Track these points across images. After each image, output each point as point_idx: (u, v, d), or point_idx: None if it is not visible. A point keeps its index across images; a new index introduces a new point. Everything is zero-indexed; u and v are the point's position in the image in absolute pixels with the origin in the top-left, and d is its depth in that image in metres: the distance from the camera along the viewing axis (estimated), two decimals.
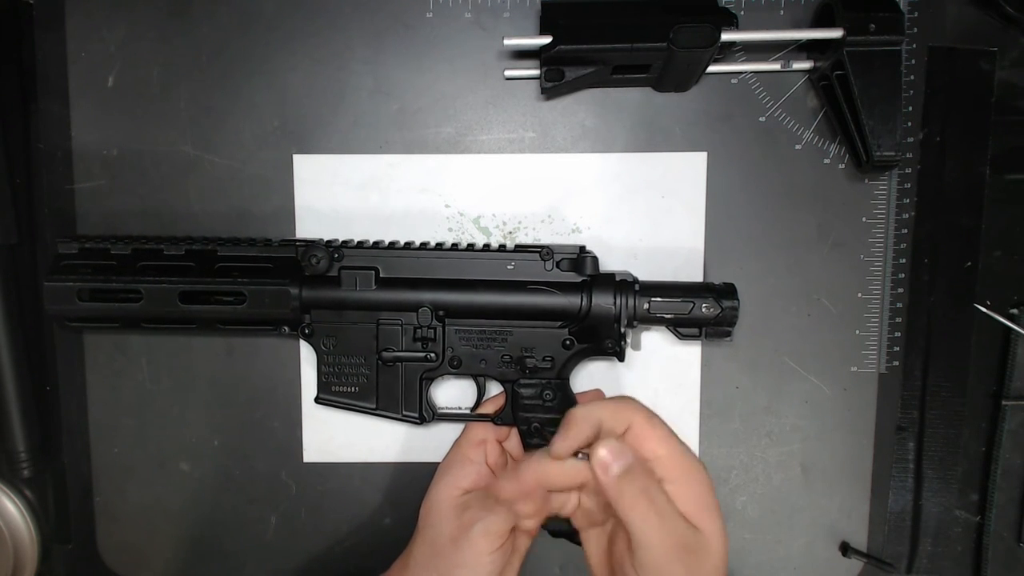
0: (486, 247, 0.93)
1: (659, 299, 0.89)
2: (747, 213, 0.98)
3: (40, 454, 1.00)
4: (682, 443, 0.77)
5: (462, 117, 0.98)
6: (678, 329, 0.91)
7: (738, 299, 0.89)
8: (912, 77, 0.95)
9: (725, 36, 0.87)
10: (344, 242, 0.92)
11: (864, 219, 0.97)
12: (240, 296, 0.89)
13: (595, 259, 0.90)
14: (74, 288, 0.89)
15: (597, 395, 0.98)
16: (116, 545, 1.04)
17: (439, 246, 0.92)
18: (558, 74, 0.91)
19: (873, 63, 0.87)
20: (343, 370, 0.93)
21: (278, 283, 0.89)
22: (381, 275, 0.91)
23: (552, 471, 0.77)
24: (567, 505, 0.84)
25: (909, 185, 0.96)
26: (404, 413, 0.93)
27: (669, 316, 0.89)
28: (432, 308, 0.90)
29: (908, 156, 0.95)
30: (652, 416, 0.77)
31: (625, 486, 0.73)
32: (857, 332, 0.98)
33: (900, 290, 0.97)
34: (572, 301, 0.90)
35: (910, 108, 0.95)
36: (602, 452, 0.73)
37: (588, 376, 0.99)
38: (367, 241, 0.92)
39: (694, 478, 0.75)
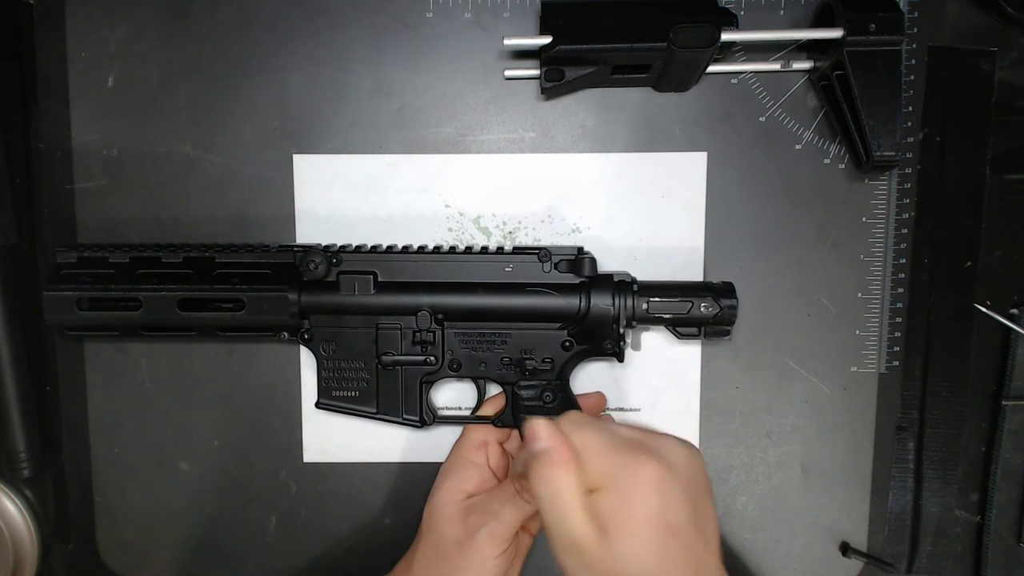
0: (484, 250, 0.93)
1: (657, 299, 0.89)
2: (747, 213, 0.98)
3: (40, 454, 1.00)
4: (602, 452, 0.73)
5: (462, 117, 0.98)
6: (677, 329, 0.91)
7: (736, 298, 0.89)
8: (912, 77, 0.95)
9: (725, 36, 0.87)
10: (342, 246, 0.92)
11: (864, 219, 0.97)
12: (239, 303, 0.89)
13: (593, 260, 0.90)
14: (73, 297, 0.89)
15: (599, 399, 0.98)
16: (116, 545, 1.04)
17: (437, 249, 0.92)
18: (558, 74, 0.91)
19: (873, 63, 0.87)
20: (343, 375, 0.93)
21: (276, 289, 0.89)
22: (379, 279, 0.91)
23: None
24: None
25: (909, 185, 0.96)
26: (405, 417, 0.94)
27: (668, 316, 0.89)
28: (431, 311, 0.90)
29: (908, 156, 0.95)
30: (576, 425, 0.74)
31: (536, 468, 0.73)
32: (857, 332, 0.98)
33: (900, 290, 0.97)
34: (571, 302, 0.90)
35: (910, 108, 0.95)
36: (535, 425, 0.74)
37: (588, 377, 0.99)
38: (365, 245, 0.92)
39: (615, 491, 0.71)
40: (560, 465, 0.73)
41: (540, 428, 0.74)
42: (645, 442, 0.75)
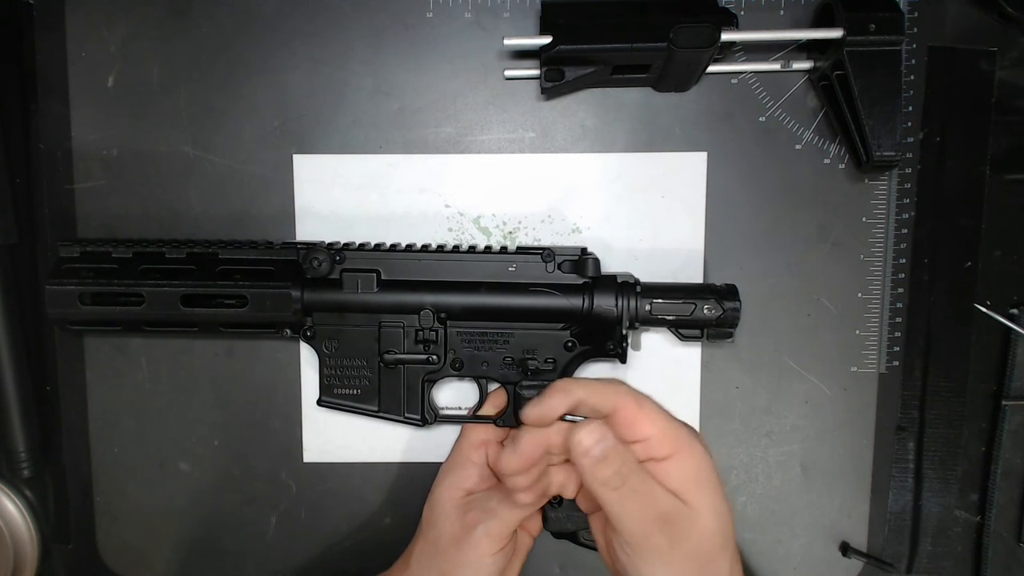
0: (487, 249, 0.93)
1: (661, 300, 0.89)
2: (747, 213, 0.98)
3: (40, 454, 1.00)
4: (674, 420, 0.77)
5: (462, 117, 0.98)
6: (679, 330, 0.91)
7: (740, 300, 0.89)
8: (912, 77, 0.95)
9: (725, 36, 0.87)
10: (345, 244, 0.92)
11: (864, 219, 0.97)
12: (242, 299, 0.89)
13: (597, 261, 0.90)
14: (75, 291, 0.89)
15: None
16: (116, 545, 1.04)
17: (441, 248, 0.92)
18: (558, 74, 0.91)
19: (873, 63, 0.87)
20: (345, 372, 0.93)
21: (280, 286, 0.89)
22: (383, 277, 0.91)
23: (550, 433, 0.78)
24: (568, 486, 0.85)
25: (909, 185, 0.96)
26: (406, 415, 0.93)
27: (671, 318, 0.89)
28: (434, 310, 0.90)
29: (908, 156, 0.96)
30: (640, 399, 0.76)
31: (600, 470, 0.74)
32: (857, 332, 0.98)
33: (900, 290, 0.97)
34: (574, 303, 0.89)
35: (910, 108, 0.95)
36: (582, 438, 0.74)
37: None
38: (368, 243, 0.92)
39: (685, 454, 0.76)
40: (624, 455, 0.75)
41: (586, 436, 0.75)
42: None
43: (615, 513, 0.75)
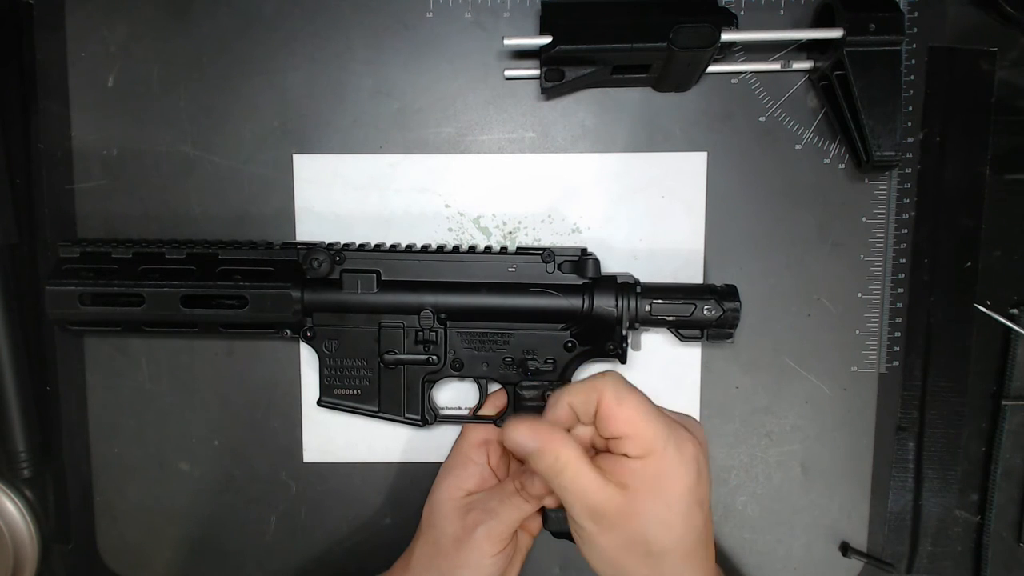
0: (487, 249, 0.93)
1: (661, 301, 0.89)
2: (747, 213, 0.98)
3: (40, 454, 1.00)
4: (655, 423, 0.76)
5: (462, 117, 0.98)
6: (679, 331, 0.91)
7: (740, 301, 0.89)
8: (912, 77, 0.95)
9: (725, 36, 0.87)
10: (345, 245, 0.92)
11: (864, 219, 0.97)
12: (242, 300, 0.89)
13: (596, 261, 0.90)
14: (75, 292, 0.89)
15: None
16: (116, 545, 1.04)
17: (441, 248, 0.92)
18: (558, 74, 0.91)
19: (873, 63, 0.87)
20: (345, 373, 0.93)
21: (280, 287, 0.89)
22: (383, 278, 0.91)
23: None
24: None
25: (909, 185, 0.96)
26: (406, 415, 0.94)
27: (671, 318, 0.89)
28: (434, 311, 0.90)
29: (908, 156, 0.95)
30: (622, 395, 0.76)
31: (535, 462, 0.77)
32: (857, 332, 0.98)
33: (900, 290, 0.97)
34: (574, 303, 0.90)
35: (910, 108, 0.95)
36: (512, 437, 0.77)
37: None
38: (368, 244, 0.92)
39: (651, 459, 0.76)
40: (557, 451, 0.76)
41: (518, 434, 0.77)
42: (679, 419, 0.80)
43: (558, 495, 0.78)
